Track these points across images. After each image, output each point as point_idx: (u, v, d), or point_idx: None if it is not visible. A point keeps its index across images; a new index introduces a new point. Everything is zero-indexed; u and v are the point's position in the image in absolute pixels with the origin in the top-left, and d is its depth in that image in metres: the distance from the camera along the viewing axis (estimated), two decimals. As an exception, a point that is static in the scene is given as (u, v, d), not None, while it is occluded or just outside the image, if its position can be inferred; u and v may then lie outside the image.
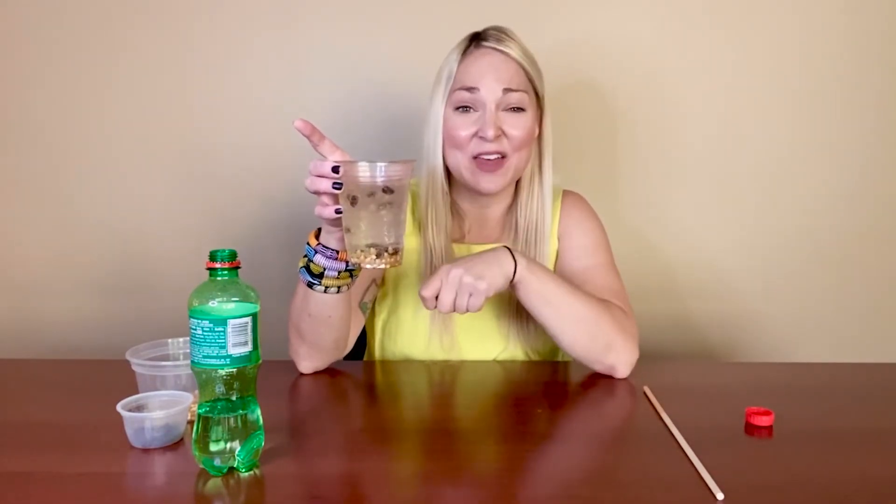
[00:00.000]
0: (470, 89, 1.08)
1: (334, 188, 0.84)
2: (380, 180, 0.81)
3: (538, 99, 1.13)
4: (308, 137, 0.86)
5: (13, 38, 1.49)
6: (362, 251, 0.84)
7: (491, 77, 1.07)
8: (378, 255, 0.84)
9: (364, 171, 0.81)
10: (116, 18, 1.48)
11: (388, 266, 0.85)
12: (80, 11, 1.48)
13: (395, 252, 0.85)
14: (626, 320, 1.08)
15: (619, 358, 1.05)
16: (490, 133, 1.06)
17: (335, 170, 0.84)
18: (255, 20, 1.48)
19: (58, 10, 1.48)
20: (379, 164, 0.81)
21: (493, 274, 0.98)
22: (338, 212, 0.86)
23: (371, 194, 0.82)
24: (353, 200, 0.83)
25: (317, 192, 0.86)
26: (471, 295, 0.96)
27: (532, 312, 1.05)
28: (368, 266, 0.84)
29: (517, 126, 1.08)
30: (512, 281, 1.01)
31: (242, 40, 1.49)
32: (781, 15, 1.50)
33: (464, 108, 1.09)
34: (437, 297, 0.97)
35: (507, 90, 1.07)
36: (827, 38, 1.51)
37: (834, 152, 1.55)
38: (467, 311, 0.98)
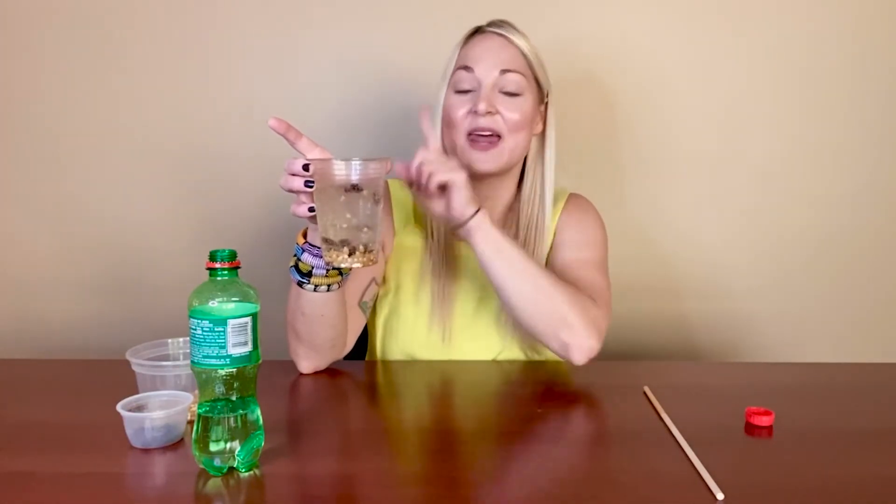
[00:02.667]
0: (467, 68, 1.08)
1: (307, 186, 0.84)
2: (354, 178, 0.80)
3: (539, 88, 1.13)
4: (284, 136, 0.86)
5: (13, 39, 1.49)
6: (335, 250, 0.83)
7: (489, 58, 1.08)
8: (351, 254, 0.83)
9: (339, 169, 0.81)
10: (116, 20, 1.48)
11: (361, 265, 0.83)
12: (80, 13, 1.48)
13: (368, 250, 0.83)
14: (595, 310, 1.05)
15: (573, 337, 1.00)
16: (482, 106, 1.05)
17: (306, 168, 0.83)
18: (256, 21, 1.48)
19: (58, 11, 1.48)
20: (354, 161, 0.80)
21: (466, 192, 0.97)
22: (311, 209, 0.85)
23: (345, 192, 0.81)
24: (327, 198, 0.82)
25: (290, 190, 0.86)
26: (450, 170, 0.95)
27: (486, 267, 1.00)
28: (344, 265, 0.84)
29: (512, 108, 1.08)
30: (467, 221, 0.98)
31: (242, 40, 1.49)
32: (784, 13, 1.50)
33: (463, 91, 1.09)
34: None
35: (504, 71, 1.07)
36: (829, 37, 1.51)
37: (835, 152, 1.55)
38: (427, 181, 0.95)
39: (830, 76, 1.53)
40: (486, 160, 1.08)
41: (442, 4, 1.48)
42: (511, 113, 1.08)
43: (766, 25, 1.51)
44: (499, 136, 1.08)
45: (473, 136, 1.08)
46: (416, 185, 0.98)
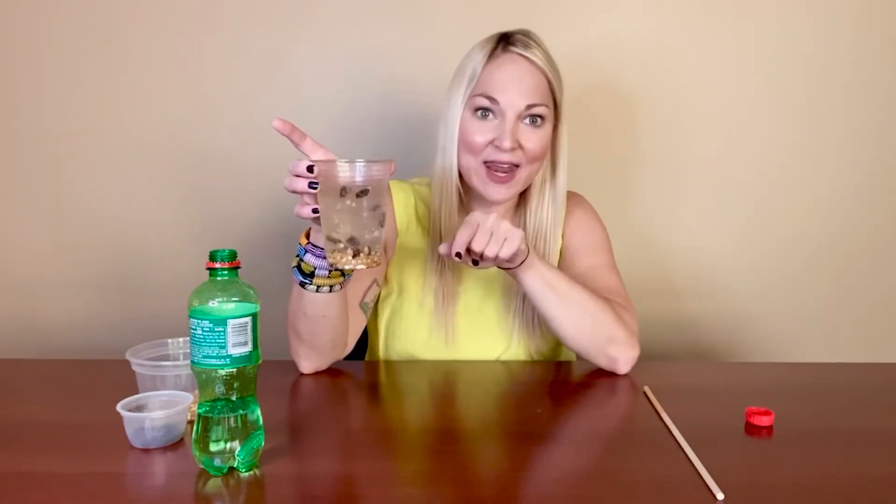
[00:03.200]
0: (491, 99, 1.06)
1: (311, 187, 0.84)
2: (358, 180, 0.80)
3: (556, 109, 1.12)
4: (288, 136, 0.86)
5: (13, 39, 1.49)
6: (339, 252, 0.83)
7: (515, 90, 1.06)
8: (354, 255, 0.83)
9: (343, 171, 0.80)
10: (117, 20, 1.48)
11: (365, 266, 0.83)
12: (81, 13, 1.48)
13: (372, 252, 0.84)
14: (628, 316, 1.09)
15: (620, 351, 1.06)
16: (507, 144, 1.04)
17: (310, 169, 0.83)
18: (258, 22, 1.48)
19: (59, 11, 1.47)
20: (358, 163, 0.80)
21: (520, 237, 0.97)
22: (315, 211, 0.85)
23: (348, 194, 0.81)
24: (331, 199, 0.82)
25: (295, 192, 0.86)
26: (506, 240, 0.95)
27: (536, 299, 1.04)
28: (348, 267, 0.84)
29: (533, 140, 1.07)
30: (524, 259, 1.00)
31: (243, 41, 1.49)
32: (784, 14, 1.50)
33: (483, 113, 1.07)
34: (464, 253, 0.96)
35: (529, 106, 1.06)
36: (833, 43, 1.51)
37: (835, 152, 1.55)
38: (497, 258, 0.95)
39: (830, 77, 1.53)
40: (501, 192, 1.08)
41: (443, 6, 1.48)
42: (532, 144, 1.07)
43: (765, 27, 1.51)
44: (517, 166, 1.08)
45: (491, 168, 1.07)
46: (468, 259, 0.98)
